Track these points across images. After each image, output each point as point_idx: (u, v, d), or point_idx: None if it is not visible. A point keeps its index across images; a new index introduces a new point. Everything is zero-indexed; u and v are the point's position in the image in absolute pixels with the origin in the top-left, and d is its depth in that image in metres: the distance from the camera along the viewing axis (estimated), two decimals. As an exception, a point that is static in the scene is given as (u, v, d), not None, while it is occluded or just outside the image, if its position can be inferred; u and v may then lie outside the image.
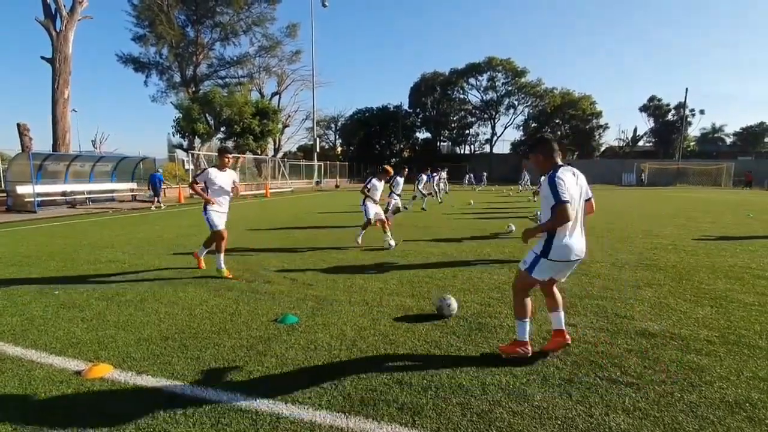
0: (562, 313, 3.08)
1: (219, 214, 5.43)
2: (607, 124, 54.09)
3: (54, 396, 2.53)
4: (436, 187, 17.81)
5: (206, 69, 35.50)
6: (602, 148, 56.30)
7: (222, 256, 5.46)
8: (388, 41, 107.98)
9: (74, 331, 3.59)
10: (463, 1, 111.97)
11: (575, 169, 2.87)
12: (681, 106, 48.98)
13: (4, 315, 3.97)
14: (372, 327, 3.66)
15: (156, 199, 16.45)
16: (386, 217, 10.10)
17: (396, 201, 10.61)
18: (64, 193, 16.41)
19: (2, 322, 3.77)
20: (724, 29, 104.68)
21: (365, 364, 2.96)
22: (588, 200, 2.93)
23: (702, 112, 54.46)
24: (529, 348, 2.97)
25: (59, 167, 16.81)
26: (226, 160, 5.44)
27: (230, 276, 5.34)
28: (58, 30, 19.55)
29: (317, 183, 38.12)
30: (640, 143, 58.53)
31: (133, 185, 19.60)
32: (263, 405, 2.42)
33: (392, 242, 7.33)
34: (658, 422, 2.24)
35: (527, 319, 2.98)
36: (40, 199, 14.50)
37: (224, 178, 5.44)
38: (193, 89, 33.16)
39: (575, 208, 2.71)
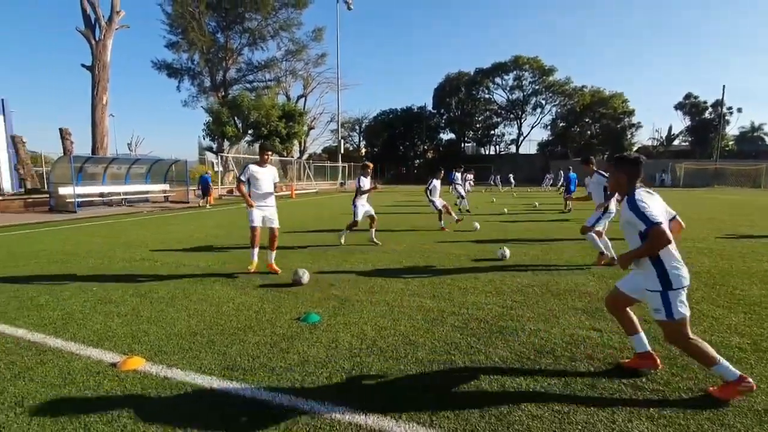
0: (643, 334, 2.83)
1: (260, 211, 5.58)
2: (639, 122, 52.22)
3: (91, 386, 2.69)
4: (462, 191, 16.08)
5: (235, 73, 36.57)
6: (635, 148, 54.29)
7: (273, 254, 5.74)
8: (413, 42, 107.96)
9: (110, 325, 3.79)
10: (489, 0, 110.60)
11: (650, 189, 2.71)
12: (718, 103, 46.73)
13: (47, 309, 4.24)
14: (392, 327, 3.70)
15: (203, 198, 18.20)
16: (443, 211, 10.24)
17: (437, 202, 10.40)
18: (102, 194, 17.26)
19: (45, 316, 4.03)
20: (764, 24, 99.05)
21: (385, 363, 2.99)
22: (672, 219, 2.72)
23: (740, 110, 51.73)
24: (750, 381, 2.44)
25: (98, 169, 17.70)
26: (266, 156, 5.62)
27: (277, 271, 5.63)
28: (97, 39, 20.60)
29: (341, 184, 38.52)
30: (676, 142, 56.15)
31: (166, 186, 20.38)
32: (285, 400, 2.50)
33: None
34: (683, 430, 2.18)
35: (719, 359, 2.47)
36: (80, 199, 15.30)
37: (265, 174, 5.63)
38: (223, 93, 34.19)
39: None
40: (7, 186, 16.73)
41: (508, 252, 6.63)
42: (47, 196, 15.76)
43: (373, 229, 8.06)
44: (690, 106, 52.02)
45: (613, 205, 6.01)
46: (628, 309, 2.91)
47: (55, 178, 15.91)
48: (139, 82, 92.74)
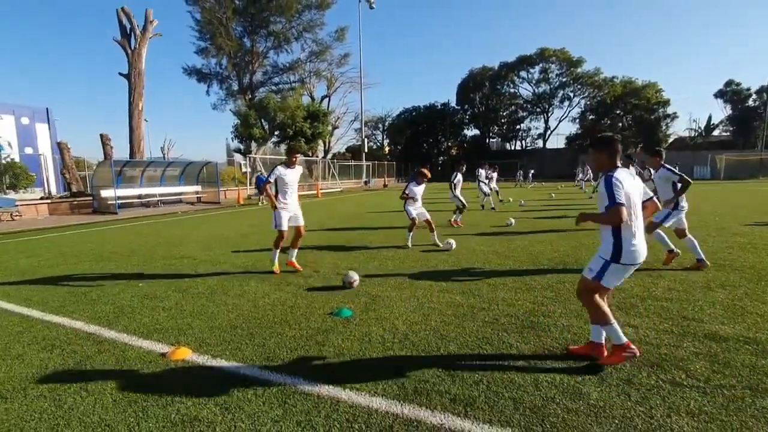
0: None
1: (287, 213, 5.72)
2: (675, 113, 49.74)
3: (146, 373, 2.90)
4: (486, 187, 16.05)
5: (261, 76, 37.31)
6: (670, 140, 51.90)
7: (295, 251, 5.95)
8: (435, 39, 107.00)
9: (157, 318, 4.04)
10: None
11: (632, 171, 2.96)
12: (764, 90, 43.98)
13: (99, 303, 4.54)
14: (423, 322, 3.76)
15: (261, 196, 19.77)
16: (453, 218, 10.20)
17: (458, 198, 10.37)
18: (140, 196, 18.09)
19: (98, 310, 4.32)
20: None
21: (417, 356, 3.07)
22: (649, 199, 3.02)
23: (789, 95, 48.42)
24: (634, 348, 2.82)
25: (135, 172, 18.55)
26: (295, 158, 5.72)
27: (299, 268, 5.82)
28: (132, 48, 21.54)
29: (366, 183, 38.74)
30: (716, 132, 53.28)
31: (198, 188, 21.11)
32: (324, 390, 2.61)
33: (451, 241, 7.24)
34: (726, 426, 2.15)
35: (614, 322, 2.83)
36: (120, 201, 16.09)
37: (293, 175, 5.77)
38: (250, 96, 35.01)
39: (631, 211, 2.72)
40: (54, 189, 17.78)
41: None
42: (91, 198, 16.66)
43: (433, 234, 7.59)
44: (731, 93, 49.12)
45: (684, 200, 5.52)
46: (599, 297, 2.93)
47: (97, 181, 16.81)
48: (170, 86, 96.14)
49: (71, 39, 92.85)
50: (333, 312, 4.06)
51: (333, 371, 2.87)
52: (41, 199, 16.00)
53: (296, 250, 5.98)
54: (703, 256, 5.44)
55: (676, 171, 5.49)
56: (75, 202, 16.20)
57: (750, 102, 47.89)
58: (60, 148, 17.45)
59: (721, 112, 51.74)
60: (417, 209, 7.64)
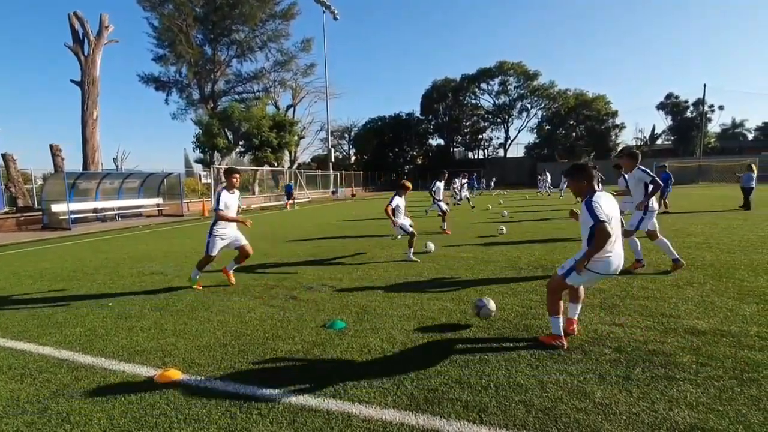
0: (579, 306, 3.54)
1: (222, 241, 5.41)
2: (623, 123, 53.15)
3: (135, 400, 2.69)
4: (458, 192, 18.00)
5: (224, 85, 36.39)
6: (619, 148, 55.31)
7: (235, 265, 5.79)
8: (399, 50, 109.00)
9: (136, 339, 3.78)
10: (473, 6, 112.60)
11: (608, 193, 3.19)
12: (699, 102, 47.97)
13: (67, 326, 4.20)
14: (419, 330, 3.75)
15: (290, 202, 23.57)
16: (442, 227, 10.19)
17: (441, 206, 10.56)
18: (95, 210, 17.01)
19: (67, 333, 4.00)
20: (743, 24, 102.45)
21: (421, 365, 3.05)
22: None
23: (721, 107, 53.19)
24: (564, 342, 3.25)
25: (90, 185, 17.46)
26: (234, 180, 5.35)
27: (232, 282, 5.68)
28: (86, 54, 20.42)
29: (334, 193, 38.50)
30: (659, 141, 57.40)
31: (159, 200, 20.15)
32: (333, 404, 2.54)
33: (431, 245, 7.59)
34: (723, 416, 2.28)
35: (560, 316, 3.26)
36: (74, 216, 15.05)
37: (234, 200, 5.39)
38: (212, 105, 34.00)
39: (612, 226, 2.98)
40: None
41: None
42: (40, 213, 15.48)
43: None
44: (671, 105, 53.22)
45: (654, 202, 5.74)
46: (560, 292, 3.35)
47: (48, 195, 15.66)
48: (122, 95, 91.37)
49: (12, 43, 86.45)
50: (326, 324, 3.97)
51: (338, 385, 2.79)
52: (-17, 215, 14.68)
53: (237, 265, 5.82)
54: (677, 256, 5.65)
55: (650, 172, 5.70)
56: (22, 218, 14.99)
57: (688, 113, 52.04)
58: (5, 160, 16.11)
59: (663, 122, 55.86)
60: (406, 221, 7.34)
